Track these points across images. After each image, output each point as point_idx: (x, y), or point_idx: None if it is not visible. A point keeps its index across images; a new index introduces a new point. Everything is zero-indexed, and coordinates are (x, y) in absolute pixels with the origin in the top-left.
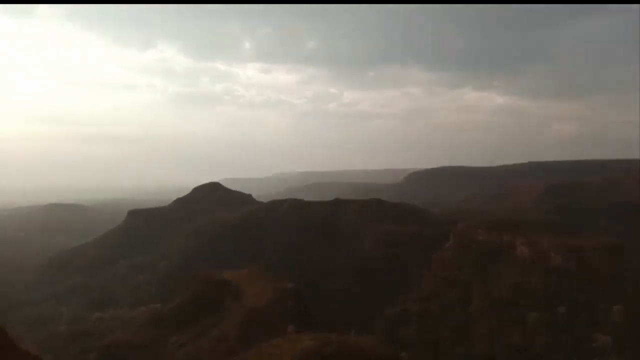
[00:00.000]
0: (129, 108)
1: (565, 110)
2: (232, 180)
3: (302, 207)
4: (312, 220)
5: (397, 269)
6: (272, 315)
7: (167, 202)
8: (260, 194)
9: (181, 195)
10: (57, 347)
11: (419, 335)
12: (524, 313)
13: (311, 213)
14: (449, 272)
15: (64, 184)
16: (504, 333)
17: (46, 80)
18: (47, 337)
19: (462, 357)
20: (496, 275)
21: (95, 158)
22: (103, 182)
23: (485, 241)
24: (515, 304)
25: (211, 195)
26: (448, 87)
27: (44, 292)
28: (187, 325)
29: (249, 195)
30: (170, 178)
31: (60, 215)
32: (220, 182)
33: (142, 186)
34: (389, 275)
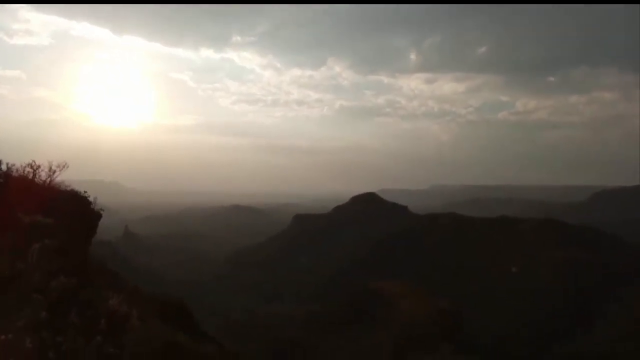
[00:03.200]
0: (300, 122)
1: None
2: (390, 190)
3: (461, 223)
4: (472, 238)
5: (576, 302)
6: (428, 333)
7: (328, 209)
8: (417, 206)
9: (341, 203)
10: (231, 334)
11: None
12: None
13: (471, 230)
14: None
15: (245, 187)
16: None
17: (237, 99)
18: (223, 324)
19: None
20: None
21: (269, 166)
22: (275, 188)
23: None
24: None
25: (367, 205)
26: None
27: (225, 283)
28: (341, 329)
29: (405, 207)
30: (333, 186)
31: (240, 216)
32: (377, 193)
33: (307, 193)
34: (566, 308)
